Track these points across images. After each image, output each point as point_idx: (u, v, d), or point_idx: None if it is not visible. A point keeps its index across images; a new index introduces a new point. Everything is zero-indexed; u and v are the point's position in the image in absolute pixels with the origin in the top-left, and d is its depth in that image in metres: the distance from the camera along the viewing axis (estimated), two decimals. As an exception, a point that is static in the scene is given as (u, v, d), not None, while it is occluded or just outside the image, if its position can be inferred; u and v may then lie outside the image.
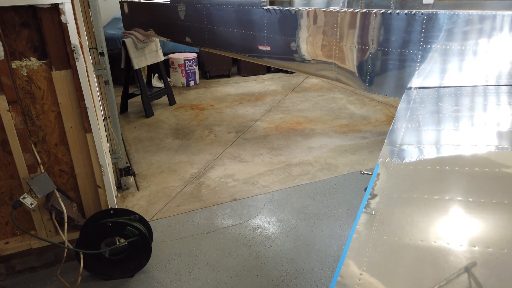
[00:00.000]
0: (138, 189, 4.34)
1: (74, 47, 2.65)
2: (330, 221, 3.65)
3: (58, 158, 2.98)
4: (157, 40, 6.67)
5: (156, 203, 4.07)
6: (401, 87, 3.21)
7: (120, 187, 4.33)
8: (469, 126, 2.21)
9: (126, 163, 4.41)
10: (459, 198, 1.49)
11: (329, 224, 3.60)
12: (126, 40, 6.15)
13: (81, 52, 2.72)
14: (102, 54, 3.76)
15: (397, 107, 2.47)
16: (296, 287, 2.87)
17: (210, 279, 2.98)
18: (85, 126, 2.91)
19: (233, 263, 3.15)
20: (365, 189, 2.07)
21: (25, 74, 2.68)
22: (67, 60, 2.70)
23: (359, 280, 1.09)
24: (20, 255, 3.06)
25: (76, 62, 2.69)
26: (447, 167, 1.74)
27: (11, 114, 2.69)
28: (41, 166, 2.86)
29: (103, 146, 3.04)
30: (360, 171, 2.89)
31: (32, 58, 2.67)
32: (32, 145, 2.84)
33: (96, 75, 3.83)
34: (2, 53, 2.51)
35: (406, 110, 2.52)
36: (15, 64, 2.63)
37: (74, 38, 2.64)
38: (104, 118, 3.92)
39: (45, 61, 2.69)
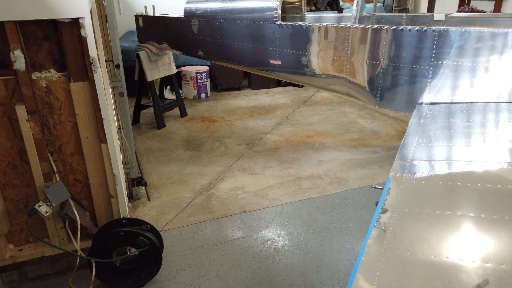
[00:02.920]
0: (149, 199, 4.39)
1: (92, 60, 2.73)
2: (340, 235, 3.64)
3: (73, 168, 3.05)
4: (170, 53, 6.80)
5: (167, 213, 4.10)
6: (412, 103, 3.23)
7: (131, 197, 4.38)
8: (481, 142, 2.21)
9: (138, 173, 4.46)
10: (471, 214, 1.50)
11: (339, 238, 3.59)
12: (140, 52, 6.28)
13: (98, 64, 2.80)
14: (118, 66, 3.85)
15: (408, 122, 2.49)
16: (306, 301, 2.87)
17: (219, 291, 2.99)
18: (100, 137, 2.97)
19: (243, 275, 3.16)
20: (377, 203, 2.08)
21: (44, 85, 2.76)
22: (85, 72, 2.78)
23: None
24: (33, 262, 3.10)
25: (94, 74, 2.77)
26: (459, 183, 1.75)
27: (30, 124, 2.77)
28: (57, 175, 2.93)
29: (117, 156, 3.10)
30: (372, 186, 2.90)
31: (51, 70, 2.75)
32: (49, 154, 2.91)
33: (111, 87, 3.91)
34: (24, 65, 2.59)
35: (417, 126, 2.53)
36: (35, 75, 2.72)
37: (92, 51, 2.72)
38: (118, 129, 4.00)
39: (64, 73, 2.77)
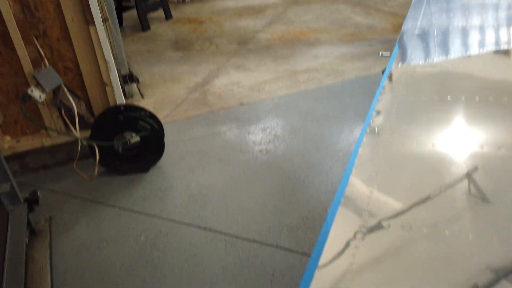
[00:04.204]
0: (143, 97, 4.29)
1: None
2: (338, 121, 3.67)
3: (62, 54, 2.88)
4: None
5: (163, 109, 4.04)
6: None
7: (124, 95, 4.26)
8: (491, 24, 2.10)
9: (129, 69, 4.29)
10: (462, 98, 1.36)
11: (337, 124, 3.62)
12: None
13: None
14: None
15: (403, 17, 2.33)
16: (307, 178, 2.95)
17: (222, 172, 3.05)
18: (87, 18, 2.76)
19: (244, 158, 3.21)
20: (383, 71, 2.02)
21: (18, -45, 2.47)
22: None
23: (369, 197, 0.99)
24: (32, 153, 3.08)
25: None
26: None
27: (9, 3, 2.54)
28: (45, 60, 2.77)
29: (107, 41, 2.92)
30: (379, 53, 2.82)
31: None
32: (34, 38, 2.72)
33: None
34: None
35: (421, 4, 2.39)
36: None
37: None
38: (103, 20, 3.73)
39: None
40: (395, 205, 0.82)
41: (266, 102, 4.07)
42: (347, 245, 0.75)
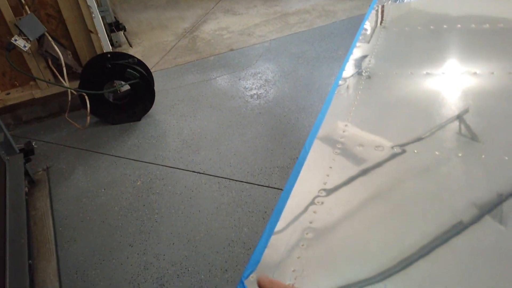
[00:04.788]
0: (131, 45, 4.20)
1: None
2: (329, 62, 3.64)
3: (42, 1, 2.78)
4: None
5: (152, 57, 3.98)
6: None
7: (112, 44, 4.17)
8: None
9: (114, 17, 4.17)
10: (459, 26, 1.34)
11: (328, 65, 3.59)
12: None
13: None
14: None
15: None
16: (297, 120, 2.99)
17: (214, 118, 3.08)
18: (65, -39, 2.64)
19: (236, 104, 3.22)
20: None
21: None
22: None
23: (344, 131, 0.96)
24: (24, 105, 3.08)
25: None
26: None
27: None
28: (26, 7, 2.68)
29: (88, -14, 2.81)
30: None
31: None
32: (11, -15, 2.62)
33: None
34: None
35: None
36: None
37: None
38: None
39: None
40: (388, 149, 0.82)
41: (257, 47, 4.01)
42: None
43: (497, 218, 0.59)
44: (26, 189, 2.45)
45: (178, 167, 2.65)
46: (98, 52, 3.03)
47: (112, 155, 2.80)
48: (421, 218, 0.62)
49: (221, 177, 2.54)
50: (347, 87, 1.14)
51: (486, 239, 0.56)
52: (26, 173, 2.50)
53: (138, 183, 2.56)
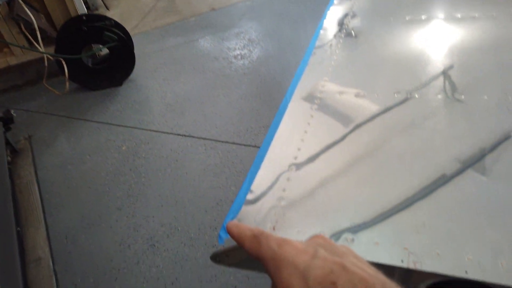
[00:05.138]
0: (107, 8, 4.04)
1: None
2: (315, 20, 3.55)
3: (9, -39, 2.63)
4: None
5: (131, 19, 3.84)
6: None
7: (87, 7, 4.00)
8: None
9: (88, -22, 3.98)
10: None
11: (313, 24, 3.52)
12: None
13: None
14: None
15: None
16: (282, 80, 2.95)
17: (198, 80, 3.02)
18: None
19: (219, 65, 3.16)
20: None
21: None
22: None
23: (323, 87, 0.92)
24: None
25: None
26: None
27: None
28: (-9, -32, 2.53)
29: None
30: None
31: None
32: None
33: None
34: None
35: None
36: None
37: None
38: None
39: None
40: (371, 107, 0.81)
41: (239, 6, 3.89)
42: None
43: (480, 170, 0.60)
44: (9, 158, 2.41)
45: (163, 131, 2.63)
46: (73, 14, 2.90)
47: (95, 121, 2.76)
48: (405, 172, 0.62)
49: (207, 139, 2.53)
50: (325, 44, 1.11)
51: (468, 190, 0.57)
52: (7, 143, 2.45)
53: (123, 148, 2.53)
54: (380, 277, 0.33)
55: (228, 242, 0.58)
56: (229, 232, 0.42)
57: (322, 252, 0.34)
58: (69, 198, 2.27)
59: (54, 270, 1.92)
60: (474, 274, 0.47)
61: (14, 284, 1.65)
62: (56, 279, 1.87)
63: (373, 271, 0.33)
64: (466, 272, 0.47)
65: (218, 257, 0.60)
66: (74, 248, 2.01)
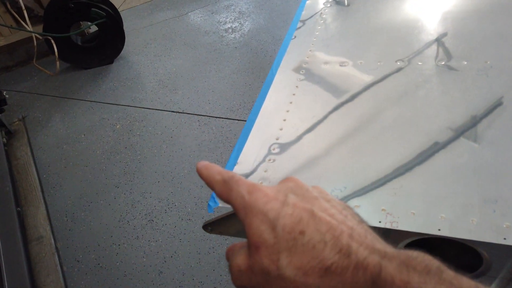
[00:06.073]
0: (94, -16, 3.94)
1: None
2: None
3: None
4: None
5: (118, -5, 3.76)
6: None
7: (74, -17, 3.91)
8: None
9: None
10: None
11: (304, -6, 3.46)
12: None
13: None
14: None
15: None
16: (274, 53, 2.93)
17: (189, 56, 3.00)
18: None
19: (210, 40, 3.13)
20: None
21: None
22: None
23: (308, 57, 0.92)
24: (-12, 55, 2.94)
25: None
26: None
27: None
28: None
29: None
30: None
31: None
32: None
33: None
34: None
35: None
36: None
37: None
38: None
39: None
40: (364, 78, 0.81)
41: (229, -23, 3.81)
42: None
43: (472, 137, 0.61)
44: (4, 139, 2.42)
45: (157, 108, 2.63)
46: (59, -9, 2.84)
47: (88, 101, 2.75)
48: (398, 141, 0.63)
49: (201, 115, 2.54)
50: (312, 14, 1.11)
51: (461, 156, 0.58)
52: (2, 124, 2.46)
53: (118, 127, 2.55)
54: (349, 223, 0.32)
55: (218, 211, 0.61)
56: (198, 173, 0.40)
57: (292, 198, 0.33)
58: (67, 177, 2.30)
59: (56, 248, 1.97)
60: (446, 232, 0.50)
61: (17, 262, 1.70)
62: (59, 256, 1.92)
63: (342, 216, 0.33)
64: (439, 229, 0.50)
65: (210, 226, 0.63)
66: (75, 226, 2.06)
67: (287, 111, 0.77)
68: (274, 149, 0.71)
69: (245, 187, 0.35)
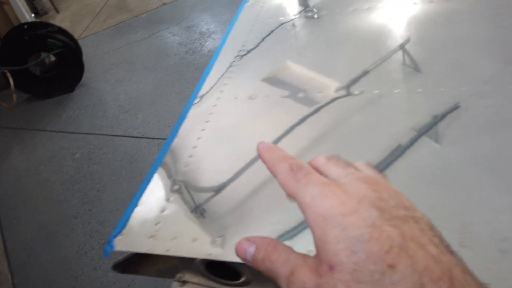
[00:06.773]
0: (57, 11, 3.97)
1: None
2: None
3: None
4: None
5: (81, 21, 3.79)
6: None
7: (37, 12, 3.93)
8: None
9: (33, -18, 3.89)
10: None
11: (263, 11, 3.52)
12: None
13: None
14: None
15: None
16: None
17: (150, 79, 3.03)
18: None
19: (171, 62, 3.16)
20: None
21: None
22: None
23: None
24: None
25: None
26: None
27: None
28: None
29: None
30: None
31: None
32: None
33: None
34: None
35: None
36: None
37: None
38: None
39: None
40: (333, 82, 0.81)
41: (190, -2, 3.86)
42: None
43: (433, 138, 0.62)
44: (-39, 176, 2.41)
45: (117, 134, 2.64)
46: (16, 23, 2.86)
47: (48, 131, 2.75)
48: (363, 147, 0.64)
49: (160, 139, 2.56)
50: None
51: (424, 158, 0.60)
52: (-41, 161, 2.44)
53: (77, 155, 2.55)
54: (444, 258, 0.25)
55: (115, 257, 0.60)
56: (260, 156, 0.33)
57: (376, 215, 0.26)
58: (26, 210, 2.29)
59: (13, 284, 1.96)
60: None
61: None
62: (16, 292, 1.91)
63: (436, 249, 0.25)
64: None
65: (121, 267, 0.58)
66: (33, 260, 2.05)
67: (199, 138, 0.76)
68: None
69: (318, 186, 0.28)
